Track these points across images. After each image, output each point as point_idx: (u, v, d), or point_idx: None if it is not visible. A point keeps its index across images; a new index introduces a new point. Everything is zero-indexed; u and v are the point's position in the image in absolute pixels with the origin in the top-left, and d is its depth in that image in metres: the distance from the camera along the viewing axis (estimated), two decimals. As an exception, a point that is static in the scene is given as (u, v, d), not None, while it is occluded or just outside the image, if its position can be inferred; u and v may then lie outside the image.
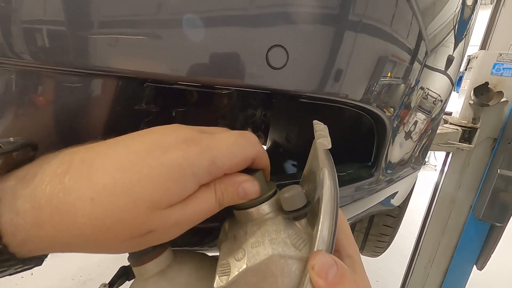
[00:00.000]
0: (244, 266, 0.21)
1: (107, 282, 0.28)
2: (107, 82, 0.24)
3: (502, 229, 1.48)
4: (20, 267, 0.19)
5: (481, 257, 1.60)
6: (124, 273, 0.28)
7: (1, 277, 0.19)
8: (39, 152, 0.21)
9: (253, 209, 0.24)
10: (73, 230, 0.18)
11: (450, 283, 1.70)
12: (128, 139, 0.21)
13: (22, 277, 2.19)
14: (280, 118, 0.56)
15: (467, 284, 1.69)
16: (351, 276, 0.20)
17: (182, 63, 0.23)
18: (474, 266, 1.64)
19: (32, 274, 2.28)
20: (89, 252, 0.20)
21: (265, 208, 0.24)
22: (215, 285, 0.22)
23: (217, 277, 0.22)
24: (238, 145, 0.22)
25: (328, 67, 0.26)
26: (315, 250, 0.20)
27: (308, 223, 0.24)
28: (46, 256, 0.21)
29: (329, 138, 0.23)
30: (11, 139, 0.19)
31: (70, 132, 0.26)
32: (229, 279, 0.21)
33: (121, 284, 0.28)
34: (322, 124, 0.26)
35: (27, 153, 0.20)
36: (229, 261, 0.22)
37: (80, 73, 0.24)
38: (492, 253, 1.56)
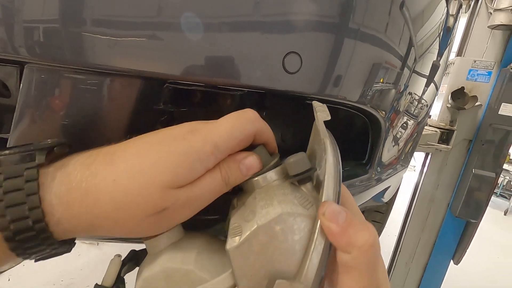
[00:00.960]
0: (255, 225, 0.22)
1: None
2: (131, 82, 0.25)
3: (476, 225, 1.57)
4: (54, 249, 0.21)
5: (458, 252, 1.69)
6: (134, 257, 0.28)
7: (38, 258, 0.22)
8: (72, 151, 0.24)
9: (259, 177, 0.25)
10: (97, 209, 0.20)
11: (429, 278, 1.78)
12: (145, 135, 0.24)
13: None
14: (275, 119, 0.58)
15: (444, 278, 1.78)
16: (360, 221, 0.22)
17: (207, 67, 0.25)
18: (451, 261, 1.73)
19: (9, 280, 2.18)
20: (111, 235, 0.22)
21: (272, 175, 0.25)
22: (227, 246, 0.22)
23: (229, 238, 0.23)
24: (237, 126, 0.24)
25: (333, 71, 0.29)
26: (322, 201, 0.22)
27: (314, 188, 0.25)
28: (74, 244, 0.24)
29: (328, 112, 0.25)
30: (49, 140, 0.22)
31: (90, 132, 0.27)
32: (241, 239, 0.22)
33: (130, 269, 0.28)
34: (320, 103, 0.28)
35: (64, 149, 0.23)
36: (240, 223, 0.23)
37: (105, 73, 0.25)
38: (467, 248, 1.65)
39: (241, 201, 0.26)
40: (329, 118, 0.25)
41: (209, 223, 0.40)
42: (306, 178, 0.25)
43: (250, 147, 0.26)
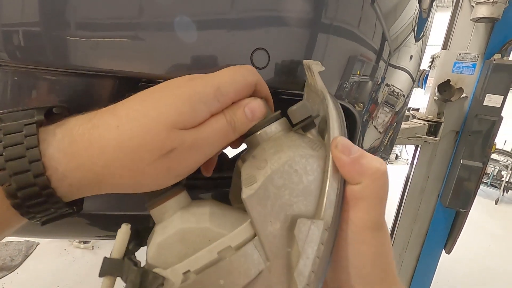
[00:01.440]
0: (270, 171, 0.22)
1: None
2: (104, 82, 0.26)
3: (466, 215, 1.60)
4: (59, 208, 0.21)
5: (449, 241, 1.73)
6: (137, 236, 0.26)
7: (44, 221, 0.22)
8: None
9: (265, 128, 0.25)
10: (103, 157, 0.20)
11: (423, 268, 1.81)
12: (145, 90, 0.24)
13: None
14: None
15: (438, 268, 1.82)
16: (371, 154, 0.22)
17: (175, 64, 0.25)
18: (443, 250, 1.76)
19: (2, 287, 2.16)
20: (118, 190, 0.22)
21: (277, 126, 0.25)
22: (243, 195, 0.22)
23: (244, 188, 0.22)
24: (239, 73, 0.24)
25: (303, 66, 0.30)
26: (331, 139, 0.22)
27: (319, 134, 0.26)
28: (81, 207, 0.24)
29: (321, 64, 0.26)
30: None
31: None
32: (257, 185, 0.22)
33: (134, 250, 0.26)
34: (312, 60, 0.28)
35: (64, 110, 0.23)
36: (253, 172, 0.23)
37: (78, 74, 0.25)
38: (458, 237, 1.69)
39: (249, 155, 0.26)
40: (323, 69, 0.25)
41: (213, 184, 0.40)
42: (310, 124, 0.25)
43: None
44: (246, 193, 0.22)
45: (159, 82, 0.24)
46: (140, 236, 0.26)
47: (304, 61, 0.29)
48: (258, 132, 0.26)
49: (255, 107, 0.24)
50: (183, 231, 0.23)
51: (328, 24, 0.31)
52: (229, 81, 0.23)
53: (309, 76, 0.29)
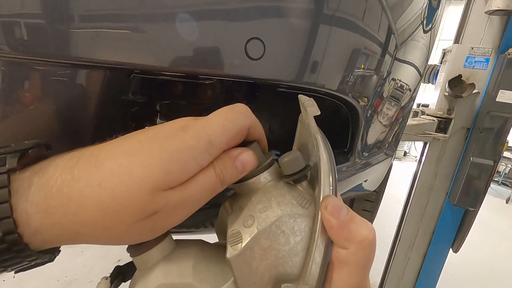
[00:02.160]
0: (256, 231, 0.21)
1: (107, 276, 0.27)
2: (95, 73, 0.25)
3: (475, 214, 1.57)
4: (33, 260, 0.20)
5: (456, 240, 1.70)
6: (119, 273, 0.27)
7: (16, 270, 0.20)
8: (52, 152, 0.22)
9: (254, 179, 0.25)
10: (82, 217, 0.19)
11: (429, 267, 1.79)
12: (133, 133, 0.22)
13: (4, 280, 2.13)
14: (263, 111, 0.58)
15: (444, 267, 1.79)
16: (361, 218, 0.22)
17: (167, 55, 0.24)
18: (450, 249, 1.73)
19: (14, 276, 2.22)
20: (97, 243, 0.21)
21: (266, 176, 0.25)
22: (228, 255, 0.22)
23: (229, 247, 0.22)
24: (230, 119, 0.23)
25: (304, 58, 0.28)
26: (321, 199, 0.21)
27: (309, 185, 0.25)
28: (58, 252, 0.22)
29: (316, 106, 0.24)
30: (26, 142, 0.20)
31: (60, 125, 0.26)
32: (242, 245, 0.21)
33: (118, 286, 0.27)
34: (307, 97, 0.27)
35: (41, 151, 0.21)
36: (239, 229, 0.22)
37: (69, 65, 0.25)
38: (466, 237, 1.65)
39: (236, 204, 0.25)
40: (318, 113, 0.24)
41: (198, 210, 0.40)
42: (302, 177, 0.24)
43: (243, 144, 0.25)
44: (230, 252, 0.22)
45: (151, 73, 0.23)
46: (124, 272, 0.27)
47: (300, 97, 0.28)
48: (248, 181, 0.25)
49: (246, 161, 0.24)
50: (165, 286, 0.23)
51: (329, 15, 0.30)
52: (221, 131, 0.22)
53: (303, 113, 0.28)
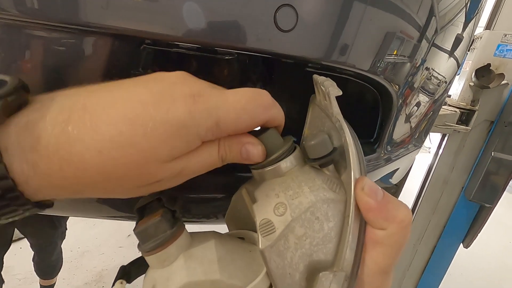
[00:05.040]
0: (290, 218, 0.21)
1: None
2: (101, 41, 0.22)
3: (490, 210, 1.52)
4: (35, 211, 0.19)
5: (468, 236, 1.66)
6: (124, 274, 0.25)
7: (19, 218, 0.19)
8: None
9: (279, 163, 0.23)
10: (84, 179, 0.18)
11: (437, 260, 1.77)
12: (132, 86, 0.20)
13: (21, 248, 2.22)
14: (281, 95, 0.55)
15: (452, 261, 1.76)
16: (396, 198, 0.21)
17: (184, 23, 0.21)
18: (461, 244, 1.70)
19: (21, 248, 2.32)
20: (99, 197, 0.22)
21: (292, 160, 0.23)
22: (261, 246, 0.21)
23: (261, 237, 0.21)
24: (248, 110, 0.21)
25: (337, 33, 0.25)
26: (352, 182, 0.21)
27: (334, 169, 0.24)
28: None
29: (336, 86, 0.23)
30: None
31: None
32: (277, 235, 0.20)
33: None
34: (323, 77, 0.25)
35: (21, 96, 0.18)
36: (270, 218, 0.21)
37: (72, 31, 0.22)
38: (478, 233, 1.61)
39: (260, 192, 0.24)
40: (340, 93, 0.22)
41: (210, 200, 0.38)
42: (329, 161, 0.23)
43: (260, 130, 0.24)
44: (264, 243, 0.20)
45: (163, 45, 0.20)
46: (129, 272, 0.26)
47: (315, 77, 0.25)
48: (271, 167, 0.23)
49: (253, 153, 0.23)
50: (191, 285, 0.21)
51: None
52: (233, 118, 0.21)
53: (317, 93, 0.26)
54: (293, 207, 0.21)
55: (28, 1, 0.21)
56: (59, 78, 0.23)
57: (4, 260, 1.64)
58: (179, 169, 0.21)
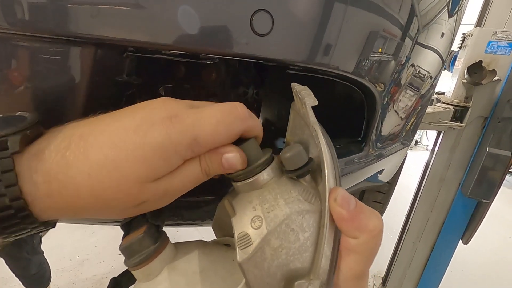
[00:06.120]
0: (266, 231, 0.21)
1: None
2: (84, 51, 0.22)
3: (488, 205, 1.53)
4: (36, 227, 0.20)
5: (467, 232, 1.66)
6: (116, 284, 0.27)
7: (25, 235, 0.21)
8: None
9: (257, 176, 0.24)
10: (78, 202, 0.20)
11: (437, 257, 1.77)
12: (121, 115, 0.22)
13: (19, 258, 2.21)
14: (272, 96, 0.55)
15: (453, 258, 1.77)
16: (369, 208, 0.22)
17: (163, 30, 0.22)
18: (460, 241, 1.70)
19: (28, 255, 2.30)
20: (96, 218, 0.22)
21: (269, 172, 0.24)
22: (239, 259, 0.21)
23: (238, 250, 0.22)
24: (224, 123, 0.22)
25: (317, 35, 0.25)
26: (327, 193, 0.21)
27: (311, 179, 0.24)
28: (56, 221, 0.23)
29: (313, 96, 0.23)
30: (19, 113, 0.20)
31: (49, 107, 0.24)
32: (253, 248, 0.21)
33: None
34: (301, 85, 0.26)
35: (38, 129, 0.21)
36: (247, 231, 0.22)
37: (57, 41, 0.22)
38: (477, 228, 1.62)
39: (238, 204, 0.24)
40: (316, 103, 0.23)
41: (200, 204, 0.39)
42: (305, 172, 0.23)
43: (240, 141, 0.24)
44: (241, 256, 0.21)
45: (146, 52, 0.21)
46: (120, 283, 0.26)
47: (294, 85, 0.26)
48: (249, 180, 0.24)
49: (234, 161, 0.23)
50: None
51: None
52: (211, 132, 0.22)
53: (297, 102, 0.26)
54: (268, 220, 0.21)
55: (18, 13, 0.21)
56: (45, 87, 0.23)
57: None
58: (163, 189, 0.22)
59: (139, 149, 0.20)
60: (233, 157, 0.23)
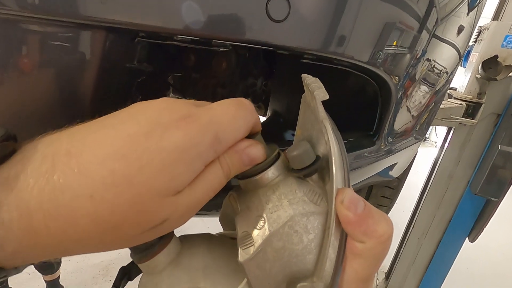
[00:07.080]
0: (268, 232, 0.21)
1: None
2: (94, 35, 0.22)
3: (497, 204, 1.50)
4: (5, 277, 0.16)
5: (474, 230, 1.65)
6: (125, 274, 0.27)
7: None
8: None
9: (262, 175, 0.23)
10: (74, 235, 0.16)
11: (442, 254, 1.76)
12: (115, 121, 0.18)
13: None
14: (281, 88, 0.54)
15: (458, 255, 1.75)
16: (378, 211, 0.21)
17: (176, 15, 0.21)
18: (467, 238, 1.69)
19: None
20: (93, 252, 0.19)
21: (274, 171, 0.23)
22: (240, 259, 0.21)
23: (240, 250, 0.21)
24: (239, 117, 0.21)
25: (333, 23, 0.24)
26: (333, 194, 0.20)
27: (319, 177, 0.23)
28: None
29: (324, 89, 0.22)
30: None
31: (58, 94, 0.24)
32: (255, 249, 0.21)
33: (124, 285, 0.26)
34: (312, 76, 0.24)
35: (7, 147, 0.16)
36: (250, 232, 0.22)
37: (67, 24, 0.22)
38: (485, 227, 1.60)
39: (243, 202, 0.24)
40: (327, 97, 0.22)
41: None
42: (312, 172, 0.22)
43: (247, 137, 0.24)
44: (243, 256, 0.21)
45: (157, 38, 0.20)
46: (129, 271, 0.26)
47: (304, 76, 0.25)
48: (255, 178, 0.23)
49: (255, 154, 0.22)
50: None
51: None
52: (230, 128, 0.20)
53: (307, 94, 0.25)
54: (271, 221, 0.21)
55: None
56: (55, 72, 0.23)
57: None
58: (186, 203, 0.19)
59: (156, 156, 0.17)
60: (253, 150, 0.22)
